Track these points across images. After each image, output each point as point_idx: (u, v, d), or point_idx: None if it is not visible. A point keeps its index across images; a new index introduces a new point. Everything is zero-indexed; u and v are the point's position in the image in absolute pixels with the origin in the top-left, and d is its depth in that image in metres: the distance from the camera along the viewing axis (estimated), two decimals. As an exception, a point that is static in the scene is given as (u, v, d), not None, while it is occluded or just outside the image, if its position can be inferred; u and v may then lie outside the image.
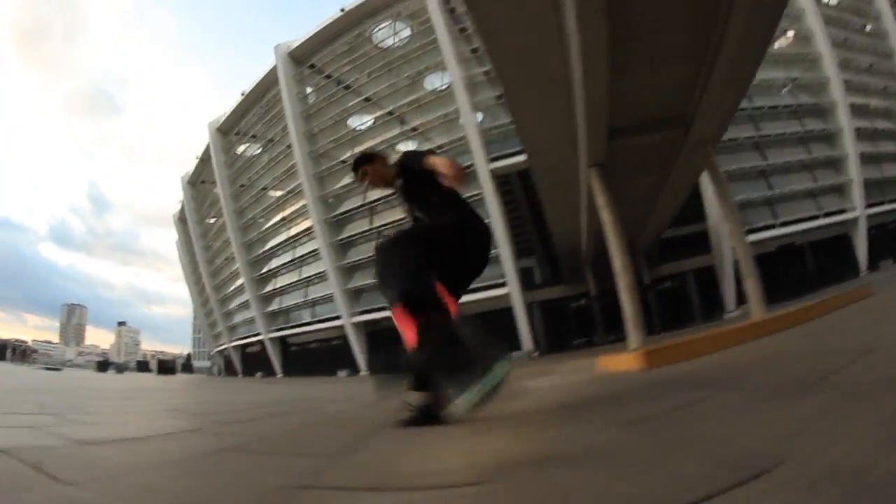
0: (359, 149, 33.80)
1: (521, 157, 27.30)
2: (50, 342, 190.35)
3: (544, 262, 30.31)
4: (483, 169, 27.99)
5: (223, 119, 43.18)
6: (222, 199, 42.16)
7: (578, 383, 4.57)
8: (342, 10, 34.09)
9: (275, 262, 39.04)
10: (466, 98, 28.93)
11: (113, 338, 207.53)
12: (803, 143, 30.87)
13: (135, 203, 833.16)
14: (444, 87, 31.33)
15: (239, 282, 43.06)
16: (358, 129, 34.63)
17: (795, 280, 26.56)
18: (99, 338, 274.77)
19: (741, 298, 24.77)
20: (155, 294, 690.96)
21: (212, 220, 50.05)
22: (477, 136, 28.51)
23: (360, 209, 32.84)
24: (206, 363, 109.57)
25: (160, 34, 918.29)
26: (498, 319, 26.86)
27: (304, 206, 35.46)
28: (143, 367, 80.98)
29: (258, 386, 15.03)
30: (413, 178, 2.51)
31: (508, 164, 27.88)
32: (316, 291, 34.93)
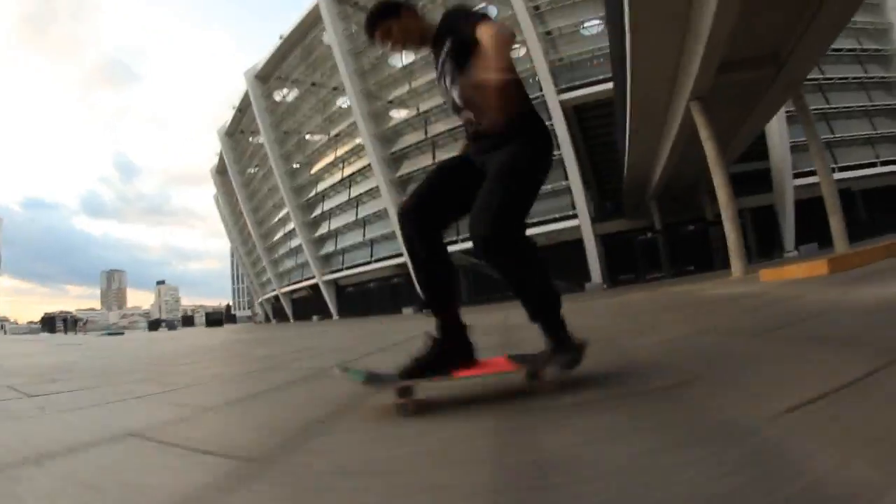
0: (415, 83, 33.05)
1: (591, 90, 27.46)
2: (94, 309, 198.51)
3: (597, 196, 29.84)
4: (553, 100, 27.32)
5: (261, 65, 42.40)
6: (267, 146, 41.96)
7: (788, 286, 5.22)
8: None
9: (327, 205, 39.08)
10: (532, 27, 27.75)
11: (153, 297, 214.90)
12: (864, 88, 30.32)
13: (162, 165, 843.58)
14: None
15: (289, 227, 43.46)
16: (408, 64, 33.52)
17: (849, 227, 25.77)
18: (140, 299, 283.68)
19: (800, 239, 25.32)
20: (191, 250, 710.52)
21: (254, 169, 50.20)
22: (545, 66, 27.59)
23: (420, 145, 32.50)
24: (247, 312, 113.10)
25: None
26: (563, 252, 26.67)
27: (357, 145, 35.12)
28: (188, 321, 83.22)
29: (327, 327, 14.81)
30: (461, 47, 1.74)
31: (577, 96, 27.55)
32: (373, 231, 35.04)
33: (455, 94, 1.78)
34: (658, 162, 20.14)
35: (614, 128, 22.69)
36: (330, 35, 34.40)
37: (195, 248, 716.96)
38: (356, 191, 36.29)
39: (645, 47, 11.62)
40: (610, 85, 22.93)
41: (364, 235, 35.77)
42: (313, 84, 38.98)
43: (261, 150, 45.31)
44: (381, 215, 33.97)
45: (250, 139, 49.30)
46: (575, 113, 28.18)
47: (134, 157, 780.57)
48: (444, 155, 30.32)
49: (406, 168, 32.86)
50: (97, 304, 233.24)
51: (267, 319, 57.08)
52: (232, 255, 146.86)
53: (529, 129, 1.71)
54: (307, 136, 41.04)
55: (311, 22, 37.01)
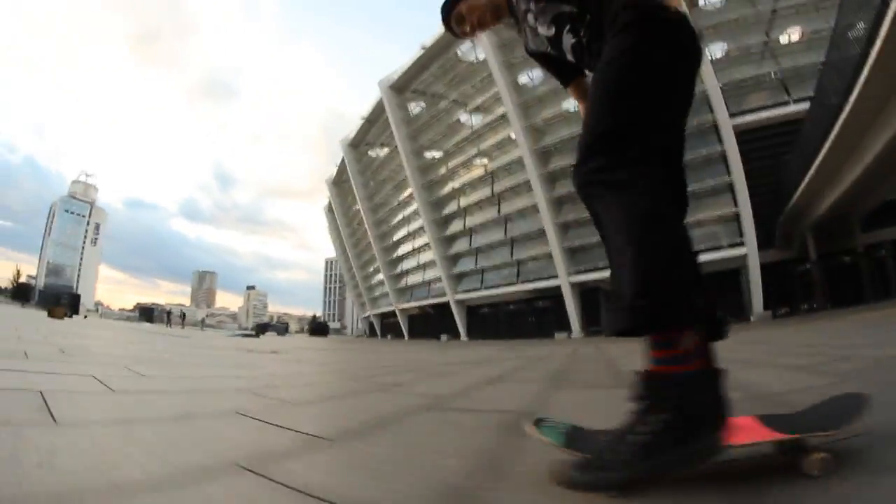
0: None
1: (765, 114, 26.22)
2: (183, 305, 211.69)
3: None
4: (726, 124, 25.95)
5: (397, 76, 42.04)
6: (403, 157, 41.19)
7: None
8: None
9: (469, 221, 37.69)
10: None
11: (241, 301, 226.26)
12: None
13: (257, 178, 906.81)
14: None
15: (418, 241, 42.63)
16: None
17: None
18: (228, 300, 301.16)
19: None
20: (279, 260, 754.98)
21: (376, 182, 50.23)
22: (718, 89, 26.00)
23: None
24: (336, 325, 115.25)
25: (264, 17, 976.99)
26: (715, 282, 24.26)
27: (513, 162, 33.60)
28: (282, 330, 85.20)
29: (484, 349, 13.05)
30: None
31: (748, 121, 26.64)
32: (520, 252, 33.07)
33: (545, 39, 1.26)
34: (836, 188, 19.25)
35: (789, 152, 22.76)
36: (486, 49, 33.16)
37: (283, 258, 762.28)
38: (506, 208, 34.46)
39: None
40: (780, 110, 25.66)
41: (512, 255, 33.76)
42: (455, 101, 37.97)
43: (392, 162, 44.93)
44: (532, 236, 31.89)
45: (377, 151, 49.37)
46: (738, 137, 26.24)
47: (231, 169, 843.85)
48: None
49: (566, 186, 30.66)
50: (186, 301, 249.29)
51: (372, 334, 56.66)
52: (327, 268, 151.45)
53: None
54: (435, 153, 40.15)
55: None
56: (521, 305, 33.25)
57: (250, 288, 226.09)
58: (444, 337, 37.62)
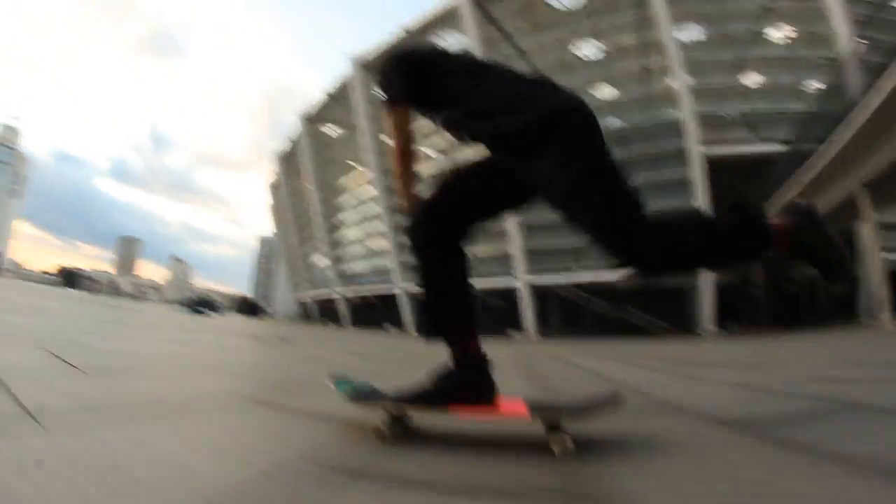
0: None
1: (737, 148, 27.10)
2: (105, 272, 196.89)
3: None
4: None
5: (372, 56, 40.42)
6: (367, 138, 39.53)
7: None
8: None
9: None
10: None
11: (163, 271, 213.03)
12: None
13: (193, 144, 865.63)
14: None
15: (370, 227, 41.09)
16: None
17: None
18: (151, 271, 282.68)
19: None
20: (207, 233, 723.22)
21: (330, 160, 48.27)
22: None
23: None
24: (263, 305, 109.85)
25: None
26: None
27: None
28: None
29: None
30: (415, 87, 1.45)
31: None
32: (480, 250, 32.49)
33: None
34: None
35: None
36: (472, 37, 32.55)
37: (212, 231, 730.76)
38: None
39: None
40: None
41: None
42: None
43: (351, 143, 43.10)
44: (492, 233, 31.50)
45: (336, 130, 47.38)
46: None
47: (167, 131, 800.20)
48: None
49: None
50: (108, 267, 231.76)
51: (305, 318, 54.57)
52: (262, 246, 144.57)
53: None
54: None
55: (440, 20, 35.34)
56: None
57: (176, 260, 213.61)
58: (388, 327, 36.43)
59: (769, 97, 28.18)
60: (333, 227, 47.50)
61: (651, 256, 1.23)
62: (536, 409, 1.31)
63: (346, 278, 45.21)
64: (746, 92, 28.66)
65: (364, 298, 42.41)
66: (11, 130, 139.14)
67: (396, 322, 36.42)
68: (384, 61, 1.50)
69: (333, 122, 47.11)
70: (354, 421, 1.49)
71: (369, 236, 42.66)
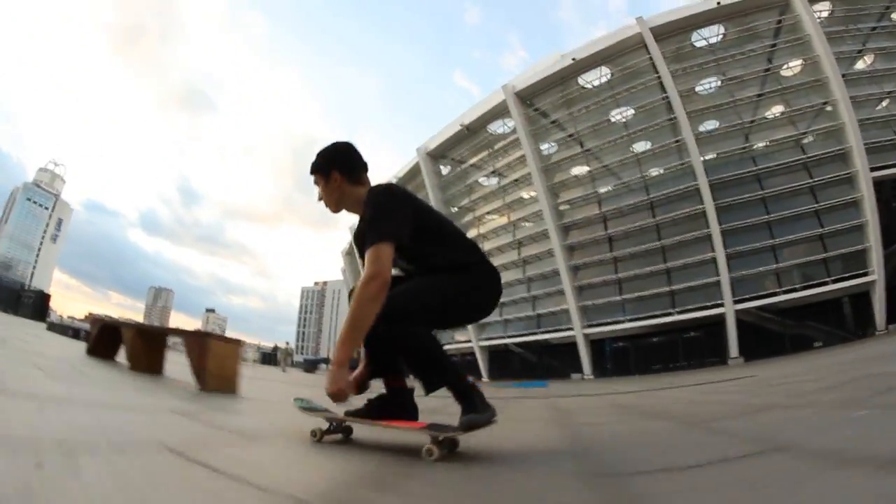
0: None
1: None
2: (135, 321, 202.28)
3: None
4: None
5: (433, 146, 48.34)
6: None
7: None
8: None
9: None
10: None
11: (195, 323, 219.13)
12: None
13: (222, 196, 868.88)
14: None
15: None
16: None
17: None
18: (180, 321, 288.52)
19: None
20: (236, 285, 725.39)
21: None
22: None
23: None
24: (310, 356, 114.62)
25: (253, 36, 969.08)
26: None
27: (539, 233, 40.27)
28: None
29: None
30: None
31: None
32: (543, 306, 40.03)
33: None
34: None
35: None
36: (520, 131, 40.02)
37: (241, 283, 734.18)
38: (530, 271, 41.57)
39: None
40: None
41: (534, 309, 40.72)
42: (493, 172, 44.86)
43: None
44: (551, 292, 39.18)
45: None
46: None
47: (196, 184, 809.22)
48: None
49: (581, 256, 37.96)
50: (138, 317, 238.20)
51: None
52: (302, 296, 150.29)
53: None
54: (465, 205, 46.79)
55: (493, 114, 43.09)
56: (538, 349, 40.04)
57: (210, 310, 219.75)
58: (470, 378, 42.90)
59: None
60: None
61: (392, 331, 1.86)
62: (430, 426, 1.81)
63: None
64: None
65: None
66: (55, 177, 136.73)
67: (474, 372, 43.15)
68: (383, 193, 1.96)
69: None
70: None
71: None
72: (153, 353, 5.36)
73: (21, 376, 3.33)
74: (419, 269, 2.09)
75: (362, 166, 2.17)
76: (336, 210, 2.15)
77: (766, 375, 8.53)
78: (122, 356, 5.75)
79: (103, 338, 6.12)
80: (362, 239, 1.94)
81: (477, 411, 1.89)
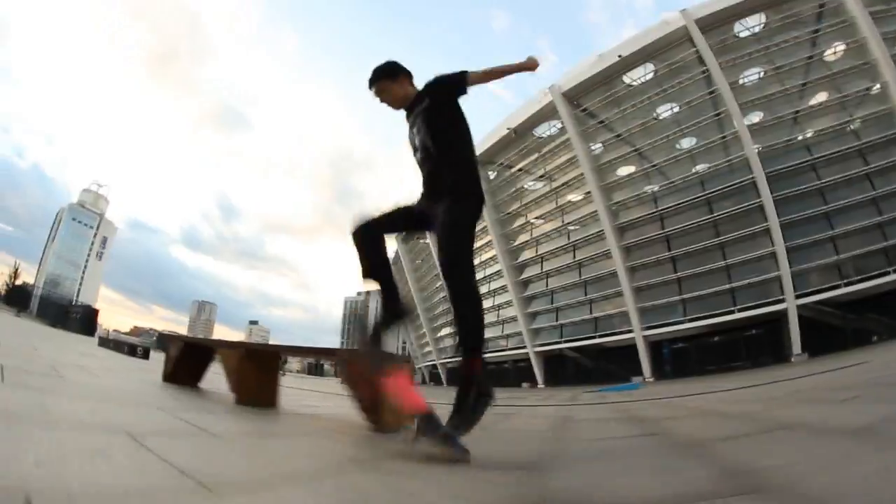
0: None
1: None
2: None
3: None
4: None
5: (484, 150, 45.94)
6: (487, 223, 45.33)
7: None
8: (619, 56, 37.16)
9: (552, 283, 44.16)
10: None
11: (238, 335, 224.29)
12: None
13: (261, 211, 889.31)
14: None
15: (499, 299, 48.07)
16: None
17: None
18: (222, 334, 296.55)
19: None
20: (276, 297, 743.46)
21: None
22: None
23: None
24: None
25: (286, 52, 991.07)
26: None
27: (594, 234, 40.22)
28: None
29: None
30: (440, 105, 2.35)
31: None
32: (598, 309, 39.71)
33: (420, 146, 2.37)
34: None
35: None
36: (570, 132, 39.82)
37: (281, 295, 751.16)
38: (585, 273, 41.23)
39: None
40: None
41: (591, 312, 40.39)
42: (542, 176, 44.76)
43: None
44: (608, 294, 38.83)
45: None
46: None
47: (235, 200, 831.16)
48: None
49: (638, 257, 37.51)
50: (182, 330, 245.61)
51: (433, 380, 61.62)
52: (345, 307, 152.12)
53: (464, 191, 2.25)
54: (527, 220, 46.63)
55: (540, 117, 42.94)
56: (594, 353, 39.65)
57: (253, 323, 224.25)
58: (524, 385, 43.00)
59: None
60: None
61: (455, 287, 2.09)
62: (422, 416, 1.89)
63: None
64: None
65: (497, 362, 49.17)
66: (99, 197, 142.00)
67: (530, 379, 43.39)
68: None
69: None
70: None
71: (497, 308, 48.27)
72: (264, 381, 4.07)
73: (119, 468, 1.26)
74: (437, 147, 2.31)
75: None
76: (401, 106, 2.50)
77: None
78: (206, 382, 4.95)
79: (185, 360, 4.94)
80: (429, 110, 2.35)
81: (458, 431, 1.91)
